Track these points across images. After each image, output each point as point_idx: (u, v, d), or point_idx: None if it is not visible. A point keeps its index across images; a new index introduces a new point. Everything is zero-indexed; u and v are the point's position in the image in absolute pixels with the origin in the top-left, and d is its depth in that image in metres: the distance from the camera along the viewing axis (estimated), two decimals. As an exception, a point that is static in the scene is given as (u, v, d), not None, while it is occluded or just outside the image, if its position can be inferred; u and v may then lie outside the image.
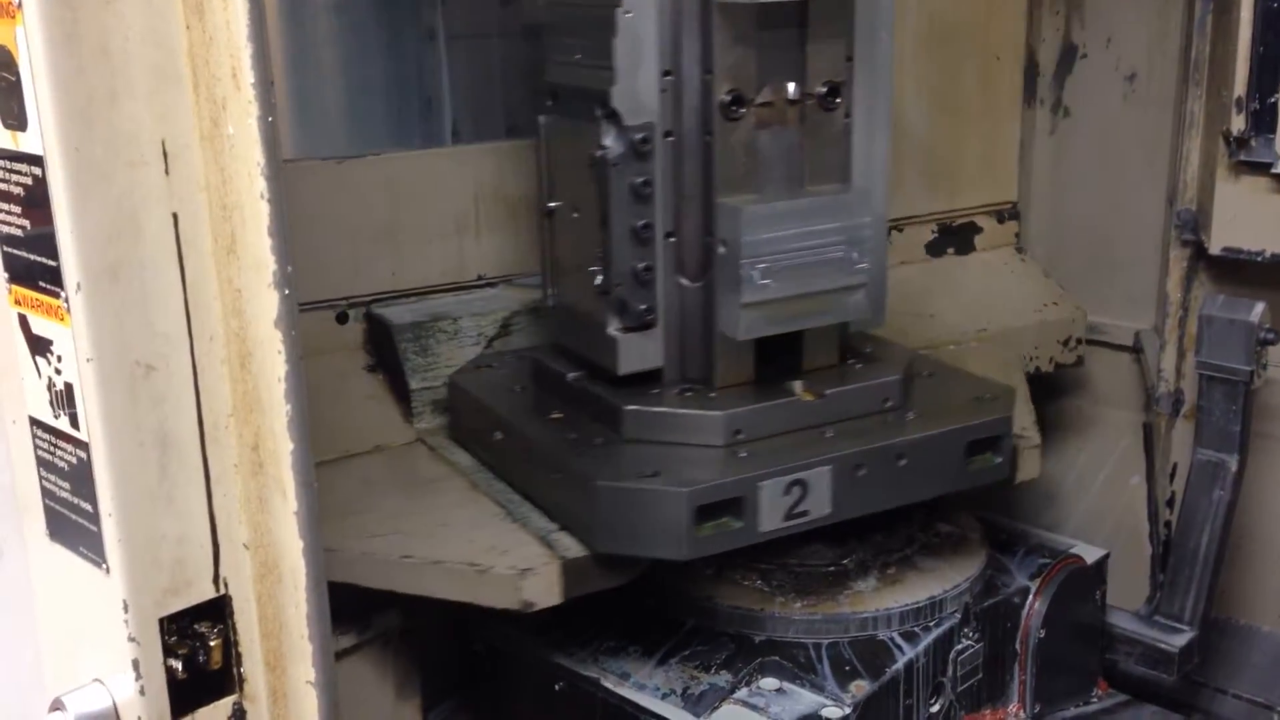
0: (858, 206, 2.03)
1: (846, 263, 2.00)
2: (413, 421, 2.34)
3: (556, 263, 2.19)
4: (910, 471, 2.04)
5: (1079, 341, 2.88)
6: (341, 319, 2.38)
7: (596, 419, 2.09)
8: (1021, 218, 2.99)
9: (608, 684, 2.10)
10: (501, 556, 1.92)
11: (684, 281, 2.05)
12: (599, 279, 2.02)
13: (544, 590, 1.89)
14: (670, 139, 1.99)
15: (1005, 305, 2.89)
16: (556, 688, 2.17)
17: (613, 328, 2.03)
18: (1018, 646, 2.36)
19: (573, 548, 1.94)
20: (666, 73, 1.97)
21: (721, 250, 1.98)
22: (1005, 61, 2.93)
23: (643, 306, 2.03)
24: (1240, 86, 2.37)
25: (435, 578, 1.92)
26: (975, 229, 2.98)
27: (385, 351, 2.38)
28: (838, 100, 2.03)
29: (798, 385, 2.09)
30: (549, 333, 2.41)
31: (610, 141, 1.96)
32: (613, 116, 1.95)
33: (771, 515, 1.93)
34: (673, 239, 2.03)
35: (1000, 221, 3.01)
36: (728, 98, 1.96)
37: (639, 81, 1.94)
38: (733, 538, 1.92)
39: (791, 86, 1.99)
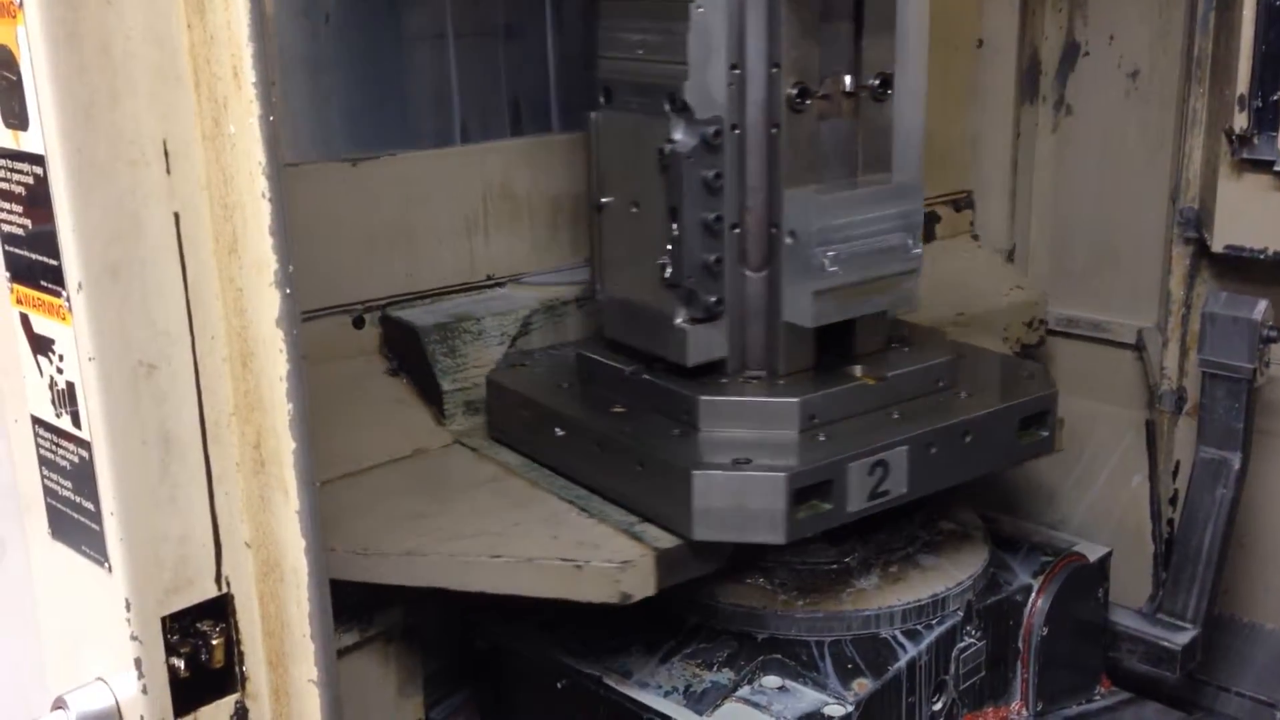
0: (913, 194, 2.09)
1: (903, 249, 2.06)
2: (445, 424, 2.33)
3: (608, 257, 2.20)
4: (974, 448, 2.11)
5: (1041, 323, 2.95)
6: (358, 323, 2.38)
7: (661, 411, 2.10)
8: (1021, 214, 2.99)
9: (610, 681, 2.10)
10: (594, 551, 1.92)
11: (746, 272, 2.08)
12: (668, 271, 2.03)
13: (640, 582, 1.91)
14: (735, 132, 2.02)
15: (975, 290, 2.92)
16: (559, 685, 2.17)
17: (681, 319, 2.06)
18: (1020, 644, 2.36)
19: (661, 538, 1.95)
20: (733, 66, 1.99)
21: (789, 240, 2.01)
22: (960, 51, 2.94)
23: (713, 298, 2.05)
24: (1243, 84, 2.37)
25: (530, 576, 1.92)
26: (935, 218, 3.01)
27: (408, 354, 2.37)
28: (889, 91, 2.08)
29: (858, 370, 2.14)
30: (571, 329, 2.47)
31: (680, 135, 1.98)
32: (684, 110, 1.97)
33: (857, 496, 1.97)
34: (736, 230, 2.05)
35: (957, 210, 3.05)
36: (794, 90, 1.99)
37: (709, 75, 1.97)
38: (825, 519, 1.96)
39: (847, 79, 2.04)
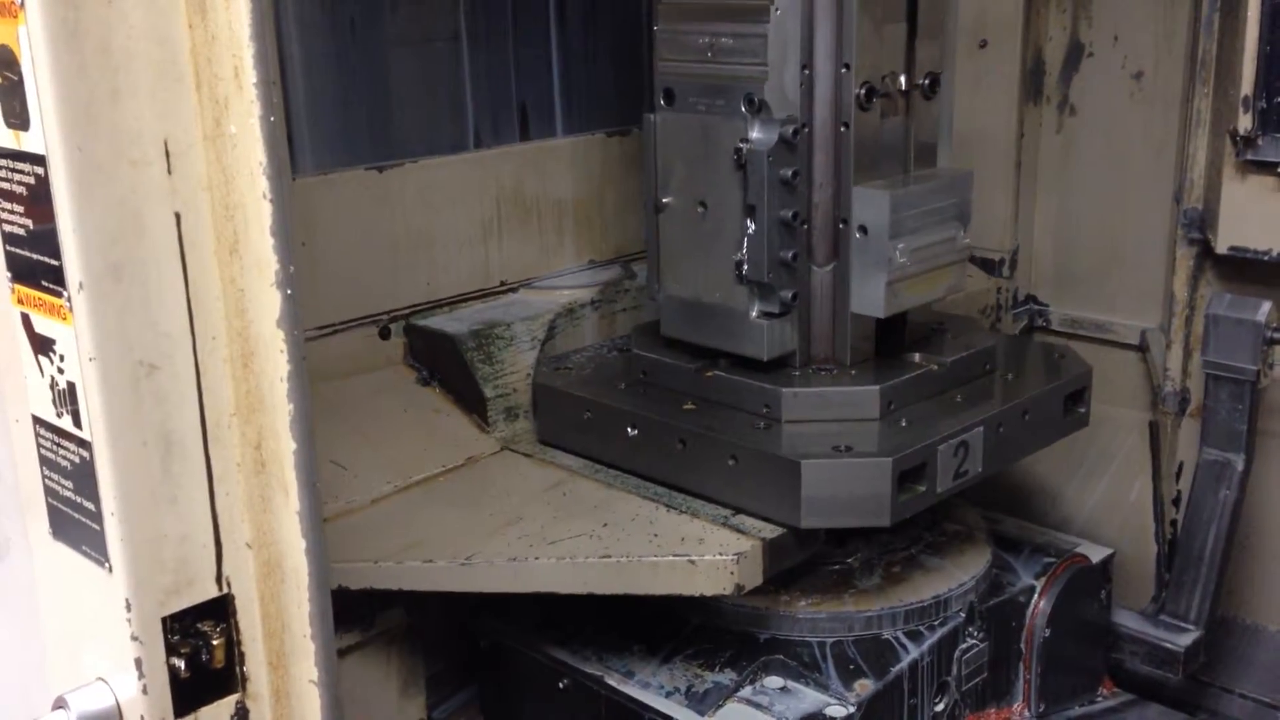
0: (964, 184, 2.20)
1: (957, 238, 2.17)
2: (490, 431, 2.34)
3: (668, 257, 2.22)
4: (1031, 426, 2.23)
5: (995, 309, 2.99)
6: (384, 334, 2.40)
7: (735, 405, 2.14)
8: (1024, 215, 2.98)
9: (612, 682, 2.10)
10: (700, 546, 1.95)
11: (813, 266, 2.13)
12: (745, 268, 2.07)
13: (751, 572, 1.94)
14: (805, 130, 2.06)
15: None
16: (561, 685, 2.17)
17: (756, 315, 2.10)
18: (1022, 645, 2.36)
19: (763, 528, 1.99)
20: (803, 67, 2.04)
21: (859, 235, 2.06)
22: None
23: (789, 293, 2.10)
24: (1247, 85, 2.37)
25: (643, 574, 1.94)
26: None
27: (439, 363, 2.39)
28: (936, 89, 2.16)
29: (916, 356, 2.22)
30: (588, 332, 2.54)
31: (758, 134, 2.03)
32: (761, 110, 2.02)
33: (945, 476, 2.05)
34: (805, 226, 2.10)
35: None
36: (862, 90, 2.05)
37: (785, 75, 2.03)
38: (921, 500, 2.03)
39: (902, 78, 2.12)
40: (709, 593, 1.93)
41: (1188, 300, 2.66)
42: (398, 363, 2.41)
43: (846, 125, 2.06)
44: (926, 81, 2.15)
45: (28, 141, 1.25)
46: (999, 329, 2.96)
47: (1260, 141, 2.38)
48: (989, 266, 2.94)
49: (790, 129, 2.03)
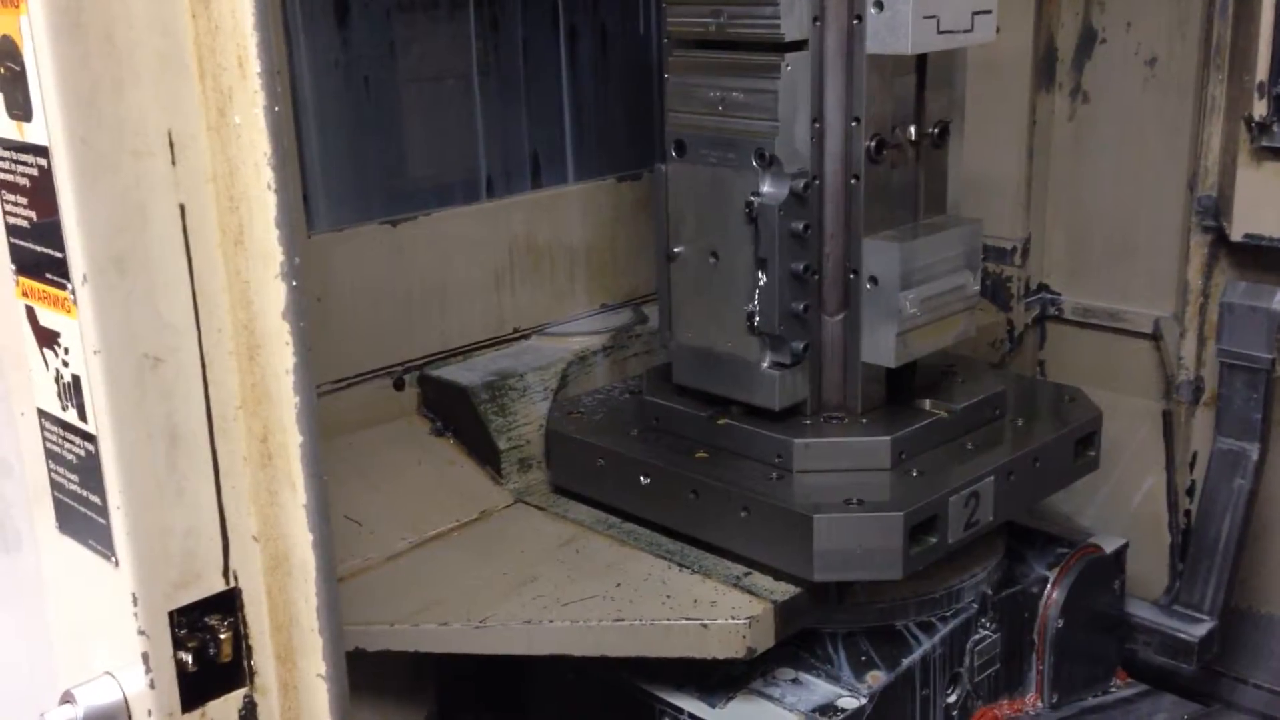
0: (975, 233, 2.20)
1: (966, 286, 2.17)
2: (503, 483, 2.35)
3: (680, 306, 2.22)
4: (1041, 473, 2.23)
5: (1003, 342, 3.00)
6: (399, 385, 2.41)
7: (748, 454, 2.15)
8: (1037, 203, 2.96)
9: (623, 673, 2.09)
10: (712, 609, 1.97)
11: (824, 316, 2.13)
12: (756, 319, 2.07)
13: (763, 635, 1.96)
14: (816, 183, 2.07)
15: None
16: (570, 677, 2.16)
17: (767, 365, 2.10)
18: (1035, 637, 2.35)
19: (775, 590, 2.02)
20: (814, 120, 2.04)
21: (870, 286, 2.06)
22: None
23: (800, 344, 2.10)
24: (1262, 71, 2.34)
25: (655, 637, 1.96)
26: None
27: (453, 414, 2.40)
28: (946, 138, 2.17)
29: (927, 403, 2.22)
30: (599, 377, 2.55)
31: (769, 188, 2.03)
32: (772, 164, 2.02)
33: (956, 527, 2.05)
34: (816, 277, 2.10)
35: None
36: (872, 142, 2.04)
37: (796, 130, 2.03)
38: (932, 552, 2.03)
39: (911, 129, 2.11)
40: (721, 656, 1.95)
41: (1202, 288, 2.64)
42: (412, 413, 2.44)
43: (857, 177, 2.06)
44: (936, 131, 2.14)
45: (30, 133, 1.24)
46: (1011, 317, 2.94)
47: (1275, 128, 2.36)
48: (1001, 255, 2.92)
49: (801, 183, 2.03)
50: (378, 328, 2.37)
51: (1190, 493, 2.73)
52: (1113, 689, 2.54)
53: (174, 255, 1.29)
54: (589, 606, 1.99)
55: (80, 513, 1.36)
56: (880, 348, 2.09)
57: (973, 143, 2.30)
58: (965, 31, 2.00)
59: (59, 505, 1.40)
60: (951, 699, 2.21)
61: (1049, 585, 2.35)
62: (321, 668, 1.40)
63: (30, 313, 1.34)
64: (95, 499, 1.33)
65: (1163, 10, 2.70)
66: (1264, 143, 2.38)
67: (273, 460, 1.37)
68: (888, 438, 2.10)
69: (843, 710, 2.00)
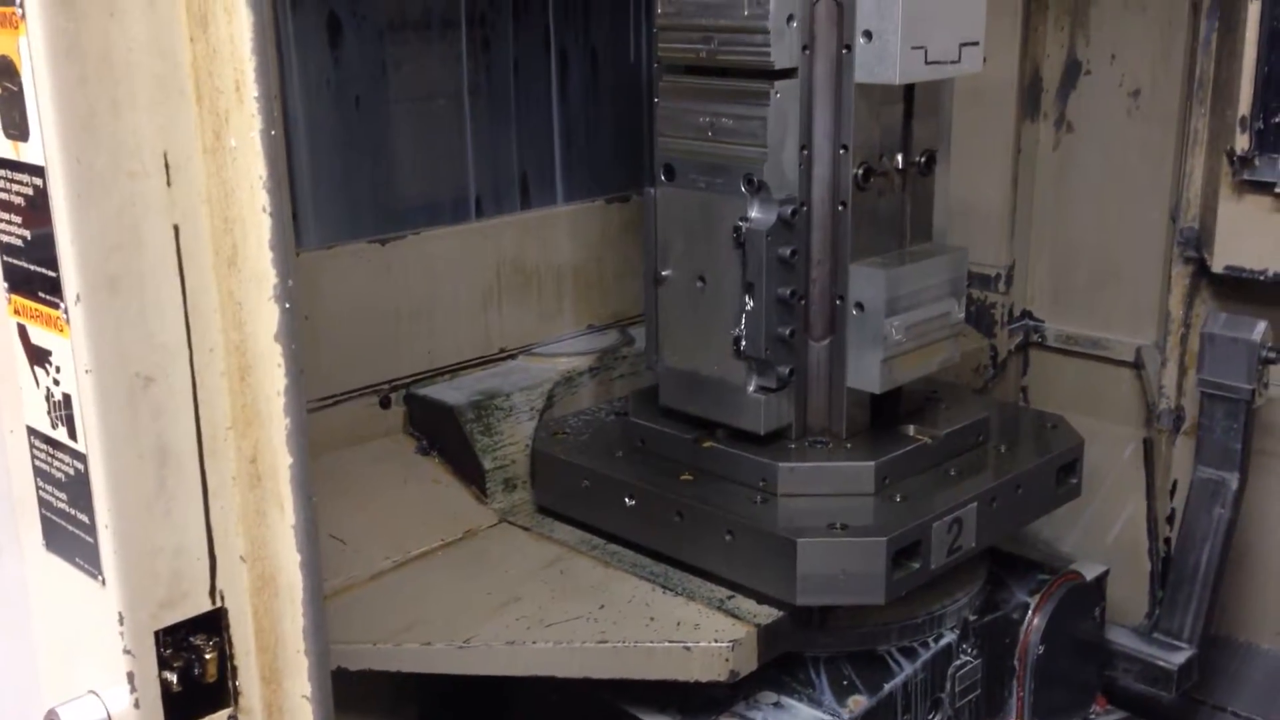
0: (960, 260, 2.21)
1: (952, 313, 2.20)
2: (488, 502, 2.36)
3: (667, 329, 2.23)
4: (1024, 499, 2.25)
5: (987, 368, 3.02)
6: (385, 403, 2.42)
7: (732, 478, 2.16)
8: (1020, 232, 2.99)
9: (605, 695, 2.09)
10: (696, 631, 1.98)
11: (810, 341, 2.14)
12: (743, 344, 2.08)
13: (746, 658, 1.97)
14: (804, 209, 2.08)
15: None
16: (553, 698, 2.16)
17: (753, 389, 2.11)
18: (1016, 663, 2.36)
19: (759, 613, 2.03)
20: (802, 147, 2.06)
21: (856, 312, 2.08)
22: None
23: (786, 369, 2.11)
24: (1245, 105, 2.37)
25: (638, 659, 1.96)
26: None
27: (439, 433, 2.40)
28: (933, 166, 2.18)
29: (911, 429, 2.23)
30: (585, 398, 2.55)
31: (757, 213, 2.04)
32: (760, 189, 2.03)
33: (938, 553, 2.07)
34: (802, 302, 2.11)
35: None
36: (860, 170, 2.06)
37: (784, 156, 2.05)
38: (915, 578, 2.04)
39: (899, 157, 2.13)
40: (703, 679, 1.95)
41: (1183, 318, 2.66)
42: (398, 432, 2.44)
43: (844, 204, 2.08)
44: (923, 159, 2.16)
45: (27, 152, 1.25)
46: (994, 343, 2.96)
47: (1257, 162, 2.39)
48: (985, 282, 2.94)
49: (789, 209, 2.04)
50: (365, 345, 2.38)
51: (1170, 520, 2.75)
52: (1092, 715, 2.55)
53: (167, 276, 1.30)
54: (573, 628, 1.99)
55: (68, 531, 1.36)
56: (865, 373, 2.10)
57: (958, 171, 2.31)
58: (953, 63, 2.02)
59: (46, 523, 1.40)
60: (932, 724, 2.21)
61: (1030, 611, 2.36)
62: (307, 689, 1.40)
63: (22, 331, 1.34)
64: (83, 517, 1.33)
65: (1147, 43, 2.73)
66: (1245, 176, 2.41)
67: (262, 481, 1.37)
68: (872, 463, 2.11)
69: (824, 734, 2.01)
